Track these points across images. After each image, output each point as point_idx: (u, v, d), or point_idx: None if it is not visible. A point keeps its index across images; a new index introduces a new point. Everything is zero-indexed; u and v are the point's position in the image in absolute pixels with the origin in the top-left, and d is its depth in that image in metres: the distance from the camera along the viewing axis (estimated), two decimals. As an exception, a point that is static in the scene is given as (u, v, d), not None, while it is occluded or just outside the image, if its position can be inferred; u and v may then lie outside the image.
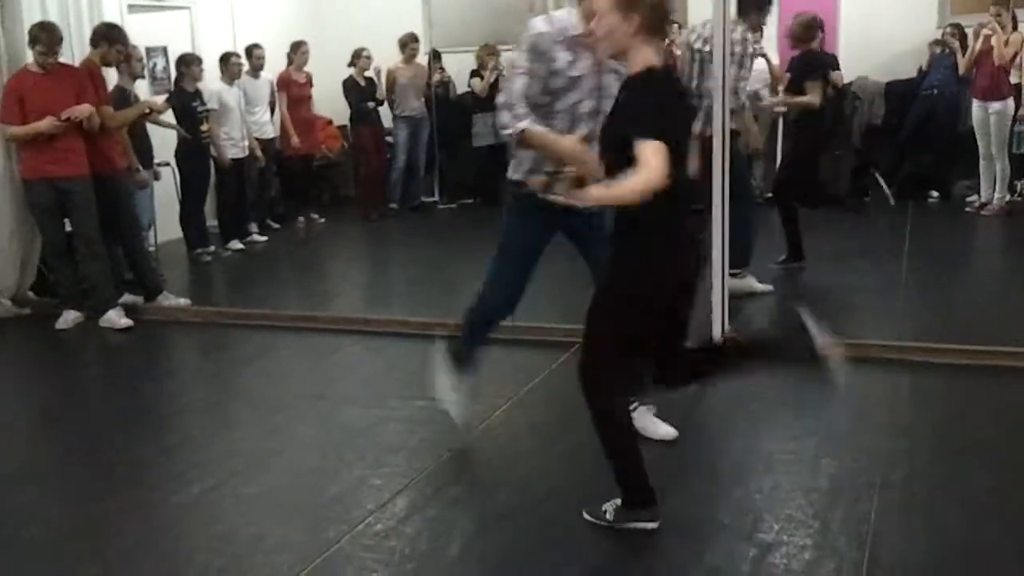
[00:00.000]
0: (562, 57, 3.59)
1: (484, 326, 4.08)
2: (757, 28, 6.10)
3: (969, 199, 9.14)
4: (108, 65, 6.73)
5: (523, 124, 3.56)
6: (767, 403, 4.66)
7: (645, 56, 3.09)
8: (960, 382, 4.78)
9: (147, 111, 7.14)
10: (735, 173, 5.57)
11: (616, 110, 3.19)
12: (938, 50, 9.40)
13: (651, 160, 2.87)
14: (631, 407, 4.06)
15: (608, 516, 3.41)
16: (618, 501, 3.40)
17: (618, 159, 3.01)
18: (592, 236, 3.80)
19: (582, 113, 3.65)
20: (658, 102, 3.04)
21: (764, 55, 9.32)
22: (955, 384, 4.77)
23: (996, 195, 8.83)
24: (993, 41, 8.46)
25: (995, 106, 8.62)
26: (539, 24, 3.63)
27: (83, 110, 6.18)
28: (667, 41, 9.48)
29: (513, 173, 3.84)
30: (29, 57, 6.37)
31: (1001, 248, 8.32)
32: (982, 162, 8.90)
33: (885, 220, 8.77)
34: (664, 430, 4.14)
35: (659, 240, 3.17)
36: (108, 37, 6.60)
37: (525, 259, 3.90)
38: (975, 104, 8.82)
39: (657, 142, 2.89)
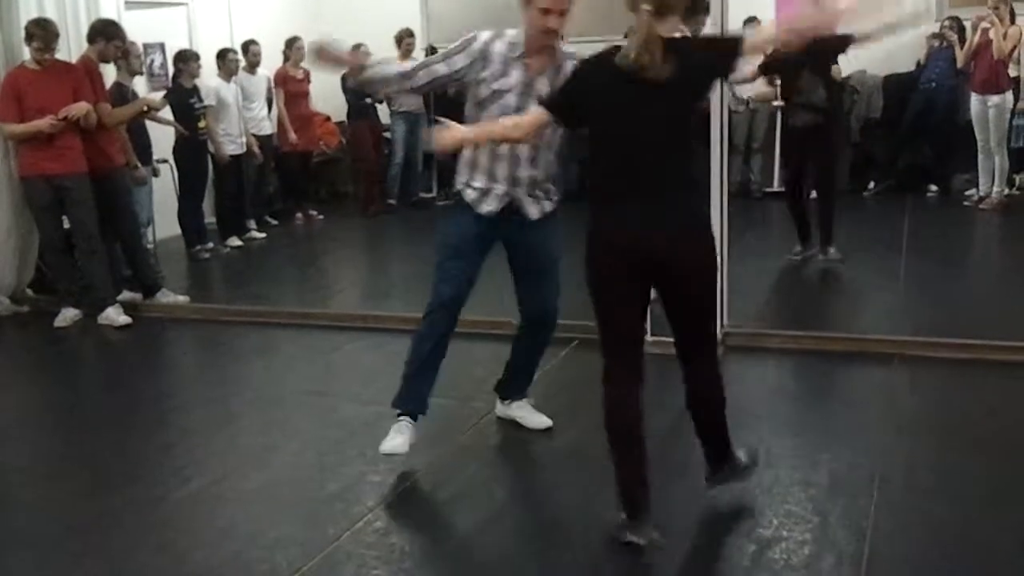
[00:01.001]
0: (495, 69, 3.75)
1: (428, 338, 3.99)
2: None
3: (968, 192, 9.14)
4: (106, 61, 6.72)
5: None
6: (766, 397, 4.67)
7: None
8: (959, 377, 4.79)
9: (145, 108, 7.13)
10: None
11: None
12: (936, 43, 9.39)
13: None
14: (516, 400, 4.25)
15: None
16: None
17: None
18: (528, 247, 3.93)
19: None
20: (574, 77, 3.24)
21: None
22: (954, 379, 4.77)
23: (995, 188, 8.82)
24: (992, 34, 8.45)
25: (994, 99, 8.61)
26: (486, 34, 3.81)
27: (80, 108, 6.17)
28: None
29: (457, 183, 3.97)
30: (26, 54, 6.36)
31: (1000, 242, 8.33)
32: (980, 155, 8.90)
33: (884, 213, 8.78)
34: (538, 420, 4.25)
35: (597, 218, 3.21)
36: (105, 33, 6.59)
37: (463, 259, 3.93)
38: (974, 97, 8.82)
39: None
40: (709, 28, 5.36)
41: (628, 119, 3.14)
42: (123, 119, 6.82)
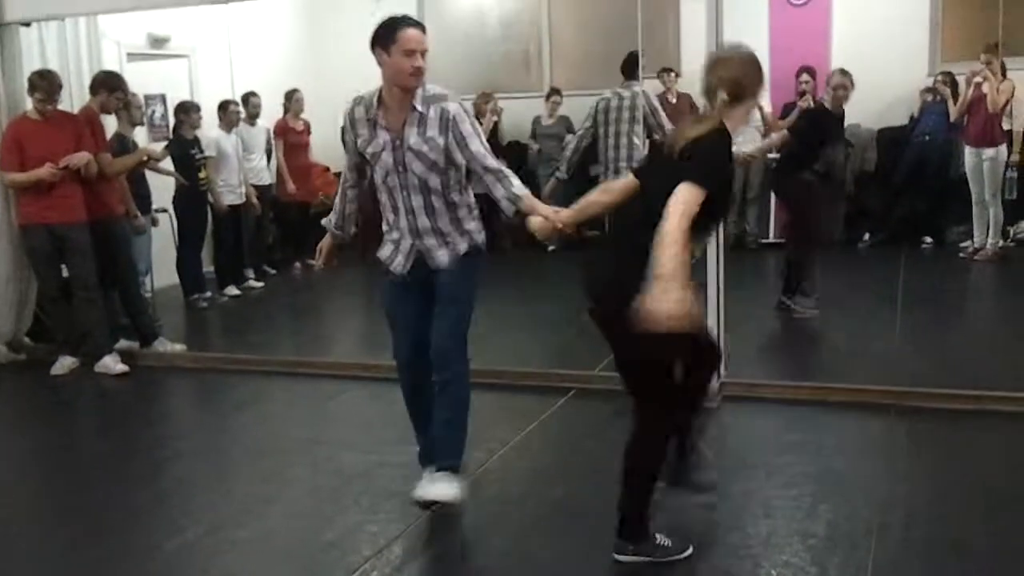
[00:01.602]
0: (363, 134, 3.84)
1: (409, 401, 4.11)
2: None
3: (963, 244, 9.19)
4: (107, 112, 6.77)
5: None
6: (764, 448, 4.66)
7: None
8: (957, 427, 4.78)
9: (145, 159, 7.18)
10: None
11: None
12: (929, 97, 9.50)
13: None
14: None
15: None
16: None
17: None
18: (439, 287, 3.92)
19: (390, 186, 3.85)
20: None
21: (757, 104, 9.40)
22: (952, 430, 4.77)
23: (989, 240, 8.87)
24: (985, 89, 8.55)
25: (988, 152, 8.69)
26: (349, 104, 3.89)
27: (80, 158, 6.22)
28: (665, 88, 9.62)
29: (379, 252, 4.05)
30: (29, 104, 6.42)
31: (995, 293, 8.36)
32: (975, 208, 8.96)
33: (878, 265, 8.82)
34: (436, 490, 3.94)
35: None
36: (107, 85, 6.66)
37: (399, 322, 4.04)
38: (968, 150, 8.90)
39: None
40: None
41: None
42: (124, 169, 6.86)
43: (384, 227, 4.01)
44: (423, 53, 3.69)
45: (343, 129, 3.91)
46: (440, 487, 3.84)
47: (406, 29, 3.66)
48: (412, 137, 3.74)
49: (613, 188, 3.61)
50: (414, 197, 3.82)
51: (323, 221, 4.22)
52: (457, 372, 3.88)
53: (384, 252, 3.99)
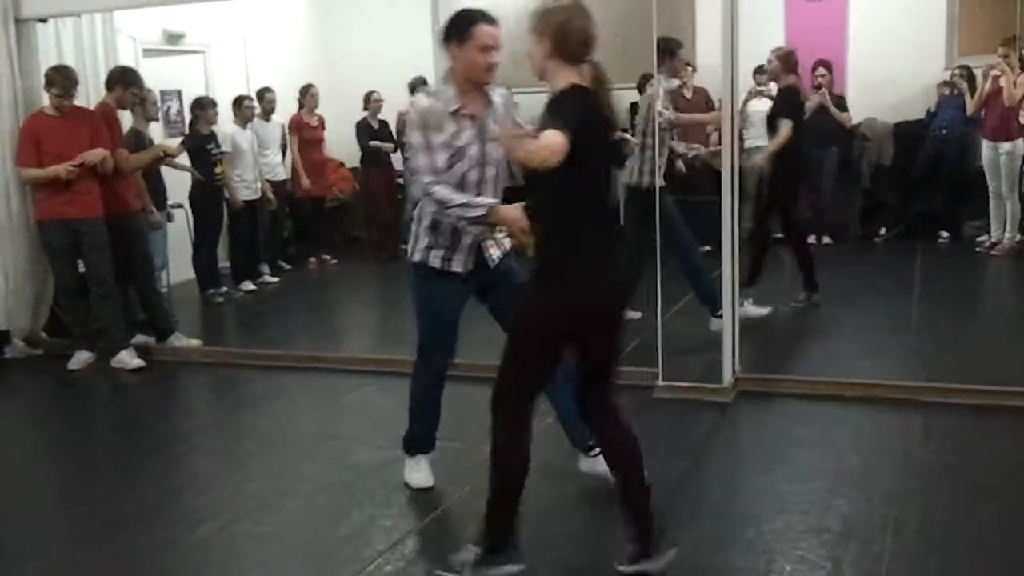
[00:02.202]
0: (449, 128, 3.69)
1: (432, 395, 4.10)
2: (676, 74, 6.17)
3: (979, 239, 9.14)
4: (123, 108, 6.80)
5: (491, 201, 3.67)
6: (779, 443, 4.65)
7: (565, 76, 3.13)
8: (973, 423, 4.76)
9: (162, 155, 7.21)
10: (670, 226, 5.65)
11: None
12: (946, 91, 9.45)
13: (551, 136, 2.88)
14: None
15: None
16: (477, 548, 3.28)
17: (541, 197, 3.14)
18: (501, 284, 3.86)
19: (470, 181, 3.73)
20: (574, 109, 3.04)
21: (772, 98, 9.36)
22: (968, 425, 4.75)
23: (1006, 235, 8.82)
24: (1003, 82, 8.50)
25: (1005, 146, 8.64)
26: (424, 99, 3.74)
27: (97, 154, 6.24)
28: (680, 83, 9.53)
29: (416, 255, 3.90)
30: (45, 100, 6.45)
31: (1012, 288, 8.31)
32: (992, 202, 8.92)
33: (895, 260, 8.78)
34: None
35: (570, 265, 3.13)
36: (123, 80, 6.68)
37: (447, 321, 3.96)
38: (985, 144, 8.85)
39: (559, 131, 2.89)
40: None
41: (606, 157, 3.27)
42: (140, 165, 6.89)
43: (424, 242, 3.86)
44: (498, 48, 3.65)
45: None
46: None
47: (481, 25, 3.61)
48: (491, 127, 3.71)
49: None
50: (489, 191, 3.76)
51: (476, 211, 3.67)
52: None
53: (436, 253, 3.85)
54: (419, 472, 4.15)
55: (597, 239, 3.15)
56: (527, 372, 3.22)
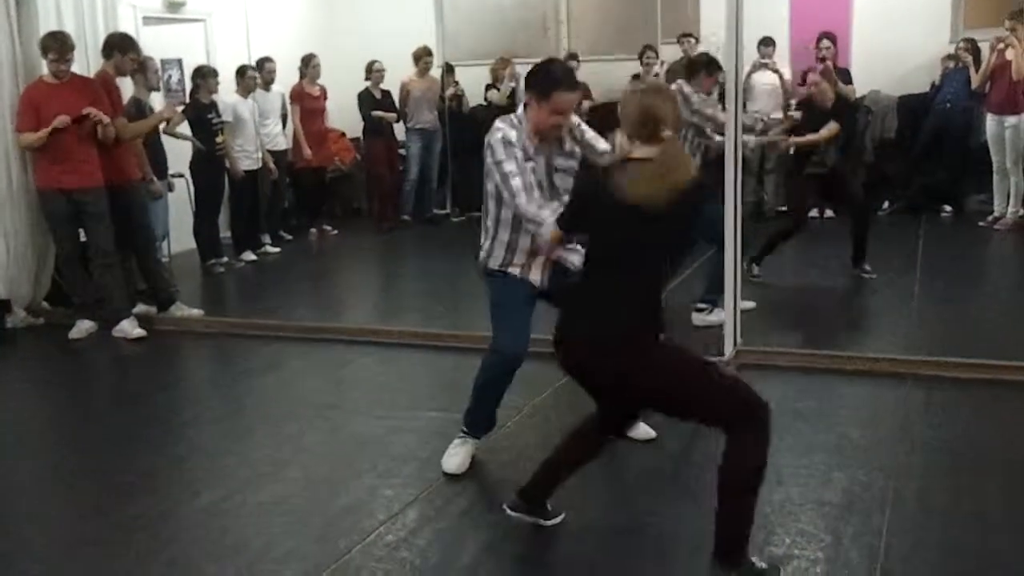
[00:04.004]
0: (528, 146, 3.80)
1: (500, 389, 4.10)
2: (705, 91, 6.10)
3: (985, 214, 9.10)
4: (122, 75, 6.76)
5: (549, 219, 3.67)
6: (779, 416, 4.63)
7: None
8: (973, 397, 4.76)
9: (164, 120, 7.17)
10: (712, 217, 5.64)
11: None
12: (951, 64, 9.39)
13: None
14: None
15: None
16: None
17: None
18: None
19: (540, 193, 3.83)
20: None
21: (776, 70, 9.32)
22: (968, 399, 4.75)
23: (1010, 209, 8.80)
24: (1009, 55, 8.45)
25: (1011, 120, 8.60)
26: (499, 129, 3.81)
27: (101, 114, 6.19)
28: (683, 54, 9.41)
29: (491, 263, 3.96)
30: (44, 69, 6.41)
31: (1015, 262, 8.29)
32: (996, 176, 8.89)
33: (897, 233, 8.76)
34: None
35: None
36: (120, 47, 6.64)
37: (520, 316, 3.98)
38: (990, 118, 8.81)
39: None
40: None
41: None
42: (141, 132, 6.86)
43: (499, 258, 3.95)
44: (569, 114, 3.80)
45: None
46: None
47: (563, 93, 3.69)
48: (557, 158, 3.87)
49: None
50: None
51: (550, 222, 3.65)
52: None
53: (509, 260, 3.94)
54: (455, 457, 4.10)
55: (591, 299, 3.21)
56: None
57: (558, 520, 3.54)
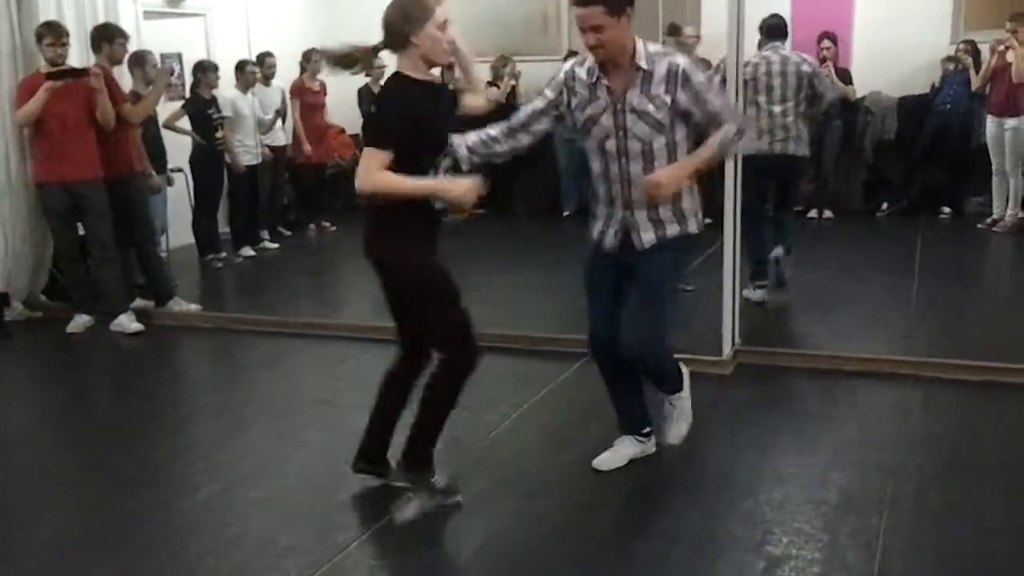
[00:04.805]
0: (582, 96, 3.62)
1: (605, 378, 4.03)
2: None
3: (984, 215, 9.11)
4: (118, 63, 6.74)
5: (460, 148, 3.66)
6: (777, 417, 4.66)
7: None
8: (971, 399, 4.76)
9: (166, 86, 7.13)
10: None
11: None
12: (951, 66, 9.39)
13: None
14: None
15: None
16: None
17: None
18: (638, 276, 3.72)
19: (609, 152, 3.62)
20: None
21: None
22: (966, 400, 4.75)
23: (1008, 211, 8.81)
24: (1010, 57, 8.45)
25: (1010, 122, 8.60)
26: (568, 64, 3.73)
27: (97, 77, 6.18)
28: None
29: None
30: (42, 60, 6.39)
31: (1013, 264, 8.30)
32: (995, 178, 8.89)
33: (896, 235, 8.77)
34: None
35: None
36: (106, 36, 6.62)
37: (595, 297, 3.86)
38: (990, 120, 8.82)
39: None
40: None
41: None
42: (149, 108, 6.87)
43: (594, 200, 3.79)
44: (593, 29, 3.47)
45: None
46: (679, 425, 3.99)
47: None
48: (635, 98, 3.53)
49: None
50: (633, 164, 3.59)
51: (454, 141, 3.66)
52: (658, 363, 3.85)
53: (594, 227, 3.77)
54: (608, 452, 4.01)
55: None
56: None
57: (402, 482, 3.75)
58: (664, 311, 3.73)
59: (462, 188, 3.42)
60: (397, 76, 3.47)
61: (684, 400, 3.96)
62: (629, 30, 3.50)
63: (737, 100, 5.15)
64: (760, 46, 6.39)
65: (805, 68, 6.29)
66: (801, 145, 6.33)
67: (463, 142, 3.66)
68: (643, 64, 3.52)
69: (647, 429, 4.05)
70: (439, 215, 3.58)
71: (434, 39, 3.42)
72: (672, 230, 3.66)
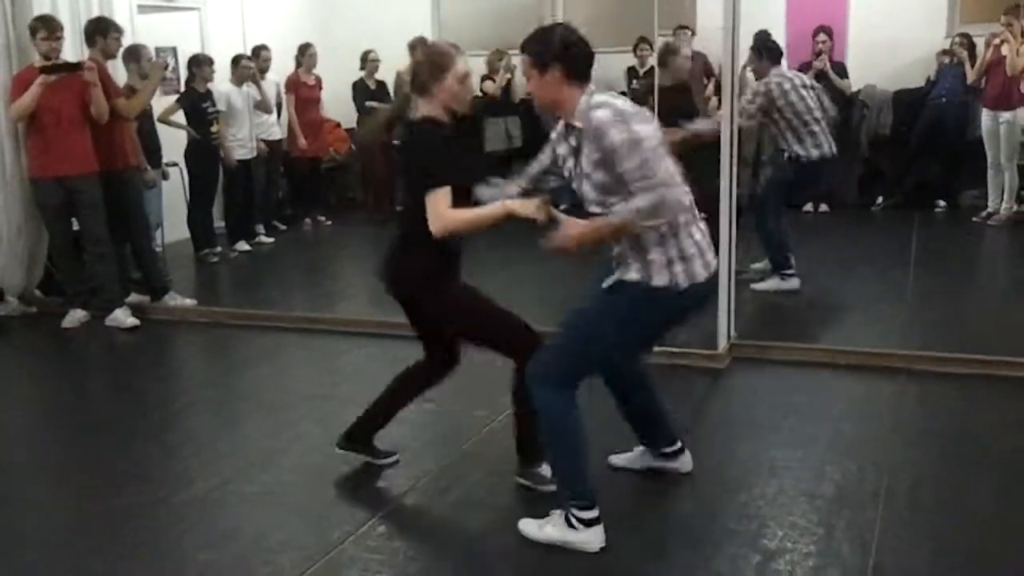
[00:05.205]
0: (563, 147, 3.40)
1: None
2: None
3: (979, 209, 9.11)
4: (112, 57, 6.72)
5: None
6: (773, 410, 4.66)
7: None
8: (966, 392, 4.77)
9: (161, 78, 7.11)
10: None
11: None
12: (946, 60, 9.40)
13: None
14: None
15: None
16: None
17: None
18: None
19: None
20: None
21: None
22: (961, 394, 4.76)
23: (1004, 205, 8.82)
24: (1005, 51, 8.45)
25: (1005, 116, 8.61)
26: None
27: (91, 71, 6.17)
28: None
29: None
30: (36, 55, 6.37)
31: (1008, 258, 8.31)
32: (990, 171, 8.90)
33: (892, 228, 8.77)
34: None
35: None
36: (99, 29, 6.60)
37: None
38: (985, 113, 8.82)
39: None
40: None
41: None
42: (145, 101, 6.85)
43: (660, 253, 3.26)
44: (527, 76, 3.33)
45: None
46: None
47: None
48: (584, 160, 3.21)
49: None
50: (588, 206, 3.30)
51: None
52: (539, 401, 3.35)
53: (679, 271, 3.26)
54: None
55: None
56: None
57: (391, 460, 4.01)
58: (566, 354, 3.34)
59: (532, 205, 3.35)
60: (424, 119, 3.57)
61: (569, 530, 3.37)
62: (564, 87, 3.23)
63: (731, 102, 5.14)
64: (759, 59, 6.71)
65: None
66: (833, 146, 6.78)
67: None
68: (575, 122, 3.24)
69: (667, 448, 3.86)
70: (458, 244, 3.67)
71: (453, 92, 3.56)
72: (629, 274, 3.25)
